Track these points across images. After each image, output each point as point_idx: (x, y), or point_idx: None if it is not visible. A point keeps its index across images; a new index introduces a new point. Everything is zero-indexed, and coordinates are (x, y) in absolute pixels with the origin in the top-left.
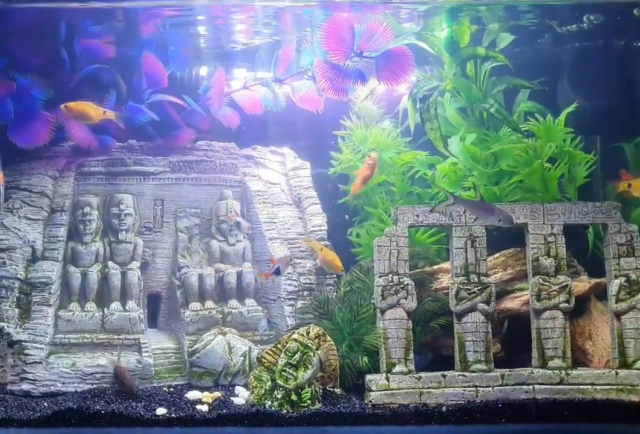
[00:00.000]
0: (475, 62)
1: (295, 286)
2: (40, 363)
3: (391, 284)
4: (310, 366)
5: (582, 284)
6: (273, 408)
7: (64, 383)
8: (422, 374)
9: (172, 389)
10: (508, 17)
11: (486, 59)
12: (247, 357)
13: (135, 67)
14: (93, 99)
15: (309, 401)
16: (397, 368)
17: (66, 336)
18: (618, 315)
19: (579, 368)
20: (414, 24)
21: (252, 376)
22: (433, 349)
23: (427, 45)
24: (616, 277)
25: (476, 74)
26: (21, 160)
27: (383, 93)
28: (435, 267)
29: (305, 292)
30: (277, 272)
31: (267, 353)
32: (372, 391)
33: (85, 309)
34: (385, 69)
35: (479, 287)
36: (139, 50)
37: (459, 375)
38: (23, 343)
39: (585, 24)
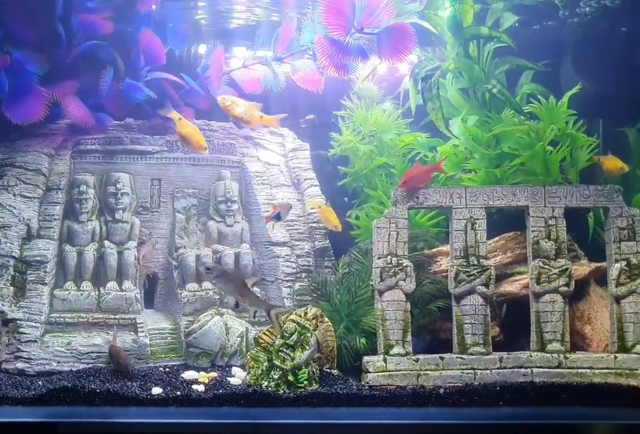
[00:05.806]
0: (478, 42)
1: (294, 268)
2: (35, 341)
3: (390, 265)
4: (307, 347)
5: (582, 268)
6: (270, 389)
7: (59, 362)
8: (420, 356)
9: (168, 369)
10: None
11: (489, 39)
12: (244, 337)
13: (133, 44)
14: (90, 76)
15: (305, 382)
16: (394, 350)
17: (61, 315)
18: (618, 299)
19: (577, 352)
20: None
21: (249, 357)
22: (431, 332)
23: (430, 25)
24: (617, 261)
25: (479, 55)
26: (16, 137)
27: (384, 74)
28: (434, 250)
29: (304, 274)
30: (278, 217)
31: (264, 333)
32: (369, 372)
33: (81, 288)
34: (387, 46)
35: (478, 270)
36: (137, 26)
37: (457, 357)
38: (18, 322)
39: (590, 6)
